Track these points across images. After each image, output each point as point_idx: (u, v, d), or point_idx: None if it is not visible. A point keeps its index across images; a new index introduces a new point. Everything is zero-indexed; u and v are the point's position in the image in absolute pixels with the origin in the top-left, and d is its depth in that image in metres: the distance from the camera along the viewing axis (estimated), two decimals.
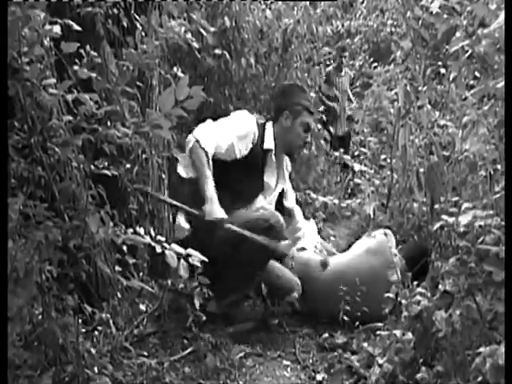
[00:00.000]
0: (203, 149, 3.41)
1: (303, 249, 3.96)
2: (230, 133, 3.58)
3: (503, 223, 2.24)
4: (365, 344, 3.08)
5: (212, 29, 4.52)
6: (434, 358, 2.44)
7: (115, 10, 3.49)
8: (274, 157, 3.79)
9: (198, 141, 3.42)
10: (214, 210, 3.31)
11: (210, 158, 3.44)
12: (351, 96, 7.21)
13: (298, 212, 4.07)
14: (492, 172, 2.95)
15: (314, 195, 5.26)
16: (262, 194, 3.80)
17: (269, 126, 3.84)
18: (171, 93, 2.22)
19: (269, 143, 3.76)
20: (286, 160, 3.98)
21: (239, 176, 3.60)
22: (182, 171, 3.47)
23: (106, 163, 2.77)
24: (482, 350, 1.90)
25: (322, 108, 6.09)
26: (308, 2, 6.69)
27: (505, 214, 2.07)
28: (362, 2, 8.65)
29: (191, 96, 2.22)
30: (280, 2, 5.86)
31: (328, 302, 3.66)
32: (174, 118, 2.29)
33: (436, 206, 3.68)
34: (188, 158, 3.45)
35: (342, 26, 8.26)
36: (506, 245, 2.03)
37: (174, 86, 2.23)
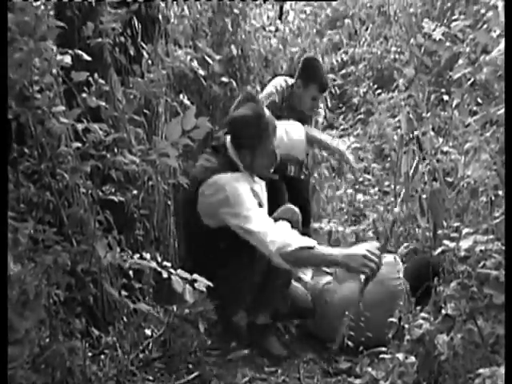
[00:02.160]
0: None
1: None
2: None
3: (504, 248, 2.27)
4: (368, 368, 3.09)
5: (218, 57, 4.59)
6: (437, 381, 2.46)
7: (122, 39, 3.55)
8: None
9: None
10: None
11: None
12: None
13: None
14: (493, 197, 2.98)
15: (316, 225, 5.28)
16: None
17: None
18: (178, 123, 2.27)
19: None
20: None
21: None
22: None
23: (113, 189, 2.82)
24: (481, 371, 1.92)
25: None
26: (314, 31, 6.78)
27: (505, 239, 2.09)
28: (366, 29, 8.71)
29: (197, 126, 2.27)
30: (287, 31, 5.94)
31: (334, 327, 3.68)
32: (180, 146, 2.34)
33: (439, 232, 3.71)
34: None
35: (346, 53, 8.32)
36: (505, 269, 2.05)
37: (181, 115, 2.28)
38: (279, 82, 4.69)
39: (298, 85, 4.58)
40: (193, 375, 3.23)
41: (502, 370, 1.85)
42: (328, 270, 4.02)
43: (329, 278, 3.94)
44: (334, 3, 8.93)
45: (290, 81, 4.70)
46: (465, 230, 2.37)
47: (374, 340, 3.44)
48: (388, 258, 3.90)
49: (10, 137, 2.45)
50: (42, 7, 3.09)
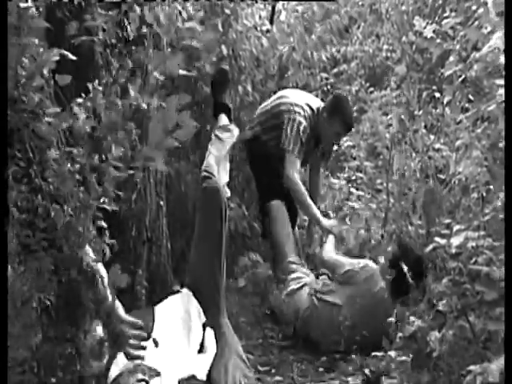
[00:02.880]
0: None
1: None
2: None
3: (495, 244, 2.27)
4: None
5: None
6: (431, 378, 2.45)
7: (114, 40, 3.53)
8: None
9: None
10: None
11: None
12: None
13: None
14: (484, 194, 2.98)
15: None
16: None
17: None
18: (159, 121, 2.22)
19: None
20: None
21: None
22: None
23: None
24: (472, 368, 1.92)
25: None
26: (303, 29, 6.76)
27: (505, 235, 2.08)
28: (358, 28, 8.71)
29: (180, 124, 2.22)
30: (275, 30, 5.93)
31: (323, 333, 3.73)
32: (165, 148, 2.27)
33: (432, 229, 3.72)
34: None
35: (338, 51, 8.31)
36: (505, 265, 2.04)
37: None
38: (303, 107, 4.56)
39: (324, 116, 4.58)
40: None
41: (493, 366, 1.85)
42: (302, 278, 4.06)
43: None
44: (325, 2, 8.91)
45: (314, 104, 4.66)
46: (456, 227, 2.37)
47: (371, 340, 3.48)
48: (369, 268, 3.90)
49: None
50: (25, 5, 3.05)
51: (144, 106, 2.86)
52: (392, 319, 3.33)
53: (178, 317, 3.14)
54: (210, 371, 3.02)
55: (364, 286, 3.79)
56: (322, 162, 5.04)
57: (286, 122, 4.48)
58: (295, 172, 4.47)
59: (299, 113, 4.52)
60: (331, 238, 4.38)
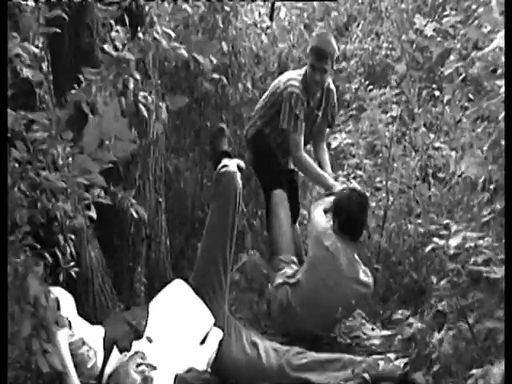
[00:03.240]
0: None
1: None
2: None
3: (495, 244, 2.26)
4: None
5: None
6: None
7: (113, 34, 3.52)
8: None
9: None
10: None
11: None
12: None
13: None
14: (486, 194, 2.97)
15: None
16: None
17: None
18: (95, 127, 1.99)
19: None
20: None
21: None
22: None
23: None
24: (474, 371, 1.91)
25: None
26: (303, 26, 6.75)
27: (505, 235, 2.07)
28: (358, 26, 8.69)
29: (119, 137, 2.01)
30: (275, 27, 5.92)
31: (297, 320, 3.82)
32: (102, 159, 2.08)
33: (432, 227, 3.71)
34: None
35: (338, 49, 8.30)
36: (505, 266, 2.03)
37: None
38: (295, 77, 4.56)
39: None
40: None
41: (495, 369, 1.84)
42: None
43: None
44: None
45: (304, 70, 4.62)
46: (454, 227, 2.36)
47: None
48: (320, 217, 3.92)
49: None
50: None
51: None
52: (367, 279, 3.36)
53: (176, 309, 3.15)
54: (219, 358, 3.14)
55: (312, 250, 3.92)
56: (325, 125, 4.90)
57: (283, 99, 4.45)
58: (300, 150, 4.44)
59: (291, 84, 4.46)
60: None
